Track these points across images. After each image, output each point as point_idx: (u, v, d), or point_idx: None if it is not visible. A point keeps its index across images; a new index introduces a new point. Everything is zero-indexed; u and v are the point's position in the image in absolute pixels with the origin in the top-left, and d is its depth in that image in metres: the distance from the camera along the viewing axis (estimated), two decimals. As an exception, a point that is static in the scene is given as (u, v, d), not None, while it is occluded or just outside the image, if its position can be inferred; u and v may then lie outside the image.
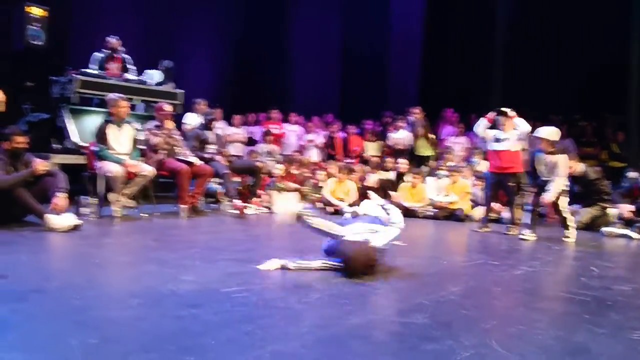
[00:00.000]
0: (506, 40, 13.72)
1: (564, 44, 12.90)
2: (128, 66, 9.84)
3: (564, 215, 6.80)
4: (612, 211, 8.02)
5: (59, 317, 2.73)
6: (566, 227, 6.76)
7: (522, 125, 7.10)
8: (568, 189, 7.11)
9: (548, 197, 6.73)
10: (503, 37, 13.79)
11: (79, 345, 2.29)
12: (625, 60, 11.43)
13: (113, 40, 9.68)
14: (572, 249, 6.14)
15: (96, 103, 9.38)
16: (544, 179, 6.86)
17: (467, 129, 12.55)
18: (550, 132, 6.81)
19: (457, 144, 11.92)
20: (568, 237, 6.70)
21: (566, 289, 3.86)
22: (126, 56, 9.89)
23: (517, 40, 13.44)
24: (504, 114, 7.16)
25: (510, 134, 7.12)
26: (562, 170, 6.73)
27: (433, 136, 11.86)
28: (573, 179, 8.04)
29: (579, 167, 8.17)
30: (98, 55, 9.58)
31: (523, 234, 6.75)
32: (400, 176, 10.07)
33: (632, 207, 7.59)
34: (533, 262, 5.25)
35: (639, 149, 11.17)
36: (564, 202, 6.84)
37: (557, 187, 6.70)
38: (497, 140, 7.19)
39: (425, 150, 11.57)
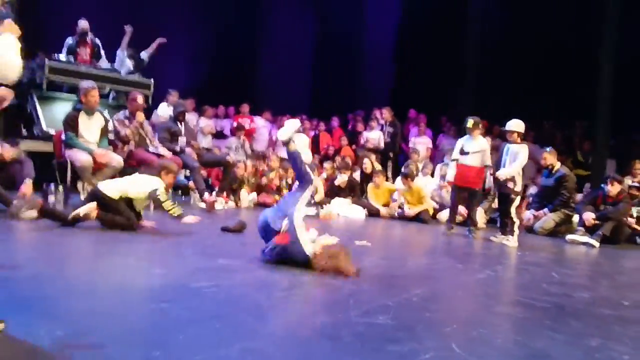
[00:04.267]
0: (479, 42, 13.90)
1: (536, 48, 13.09)
2: (100, 51, 9.72)
3: (513, 219, 6.96)
4: (575, 218, 8.21)
5: (29, 308, 2.72)
6: (511, 231, 6.91)
7: (483, 143, 7.26)
8: (521, 192, 7.32)
9: (501, 173, 6.95)
10: (475, 39, 13.96)
11: (47, 336, 2.29)
12: (596, 65, 11.63)
13: (83, 23, 9.50)
14: (536, 255, 6.27)
15: (66, 90, 9.27)
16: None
17: (436, 130, 12.73)
18: (517, 124, 7.06)
19: (420, 144, 12.06)
20: (508, 240, 6.85)
21: (527, 294, 3.95)
22: (97, 41, 9.75)
23: (489, 43, 13.62)
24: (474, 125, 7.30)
25: (475, 146, 7.25)
26: (521, 156, 6.89)
27: None
28: (548, 173, 8.31)
29: (550, 159, 8.41)
30: (69, 40, 9.45)
31: (507, 240, 6.87)
32: (366, 177, 10.19)
33: (594, 215, 7.77)
34: (496, 267, 5.37)
35: (603, 156, 11.40)
36: (514, 205, 6.99)
37: (513, 168, 6.89)
38: (463, 152, 7.33)
39: None
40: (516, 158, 6.92)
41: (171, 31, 13.15)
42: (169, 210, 5.40)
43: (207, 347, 2.35)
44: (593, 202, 8.18)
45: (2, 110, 5.59)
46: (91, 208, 5.28)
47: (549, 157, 8.55)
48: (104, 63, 9.69)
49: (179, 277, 3.59)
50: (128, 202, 5.48)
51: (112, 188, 5.47)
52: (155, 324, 2.64)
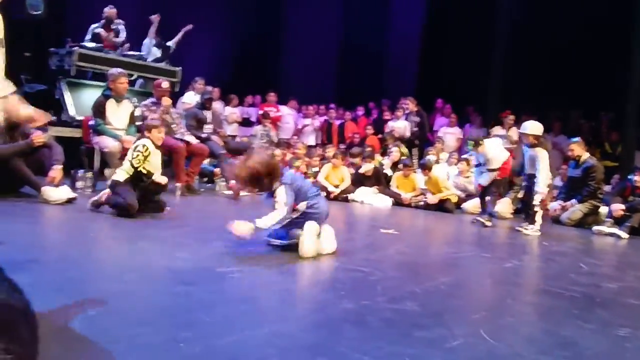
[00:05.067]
0: (506, 32, 13.70)
1: (564, 39, 12.89)
2: (121, 35, 9.79)
3: (535, 209, 6.89)
4: (603, 210, 8.10)
5: (58, 288, 2.76)
6: (532, 220, 6.85)
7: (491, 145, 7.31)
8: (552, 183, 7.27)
9: (538, 196, 6.85)
10: (503, 29, 13.76)
11: (78, 316, 2.32)
12: (625, 58, 11.44)
13: (108, 10, 9.59)
14: (563, 246, 6.20)
15: (90, 76, 9.35)
16: (527, 172, 7.05)
17: (462, 120, 12.64)
18: (532, 127, 6.94)
19: (449, 134, 11.98)
20: (527, 230, 6.79)
21: (555, 284, 3.91)
22: (120, 27, 9.82)
23: (517, 34, 13.43)
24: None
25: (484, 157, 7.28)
26: (541, 164, 6.82)
27: None
28: (576, 164, 8.22)
29: (577, 150, 8.31)
30: (94, 26, 9.53)
31: (526, 229, 6.81)
32: (394, 165, 10.13)
33: (623, 206, 7.65)
34: (523, 256, 5.32)
35: (631, 147, 11.23)
36: (537, 198, 6.92)
37: (542, 182, 6.81)
38: (478, 165, 7.37)
39: None
40: (535, 163, 6.86)
41: (198, 20, 13.23)
42: (137, 166, 5.37)
43: (235, 329, 2.36)
44: (621, 193, 8.06)
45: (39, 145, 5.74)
46: (106, 193, 5.34)
47: (577, 148, 8.42)
48: (123, 49, 9.74)
49: (204, 262, 3.62)
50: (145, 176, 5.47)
51: (118, 171, 5.51)
52: (181, 305, 2.65)
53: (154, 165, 5.54)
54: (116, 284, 2.96)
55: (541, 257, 5.49)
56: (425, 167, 9.20)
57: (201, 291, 2.92)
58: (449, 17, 14.52)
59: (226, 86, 12.31)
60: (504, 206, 8.33)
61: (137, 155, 5.36)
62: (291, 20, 15.93)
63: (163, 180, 5.51)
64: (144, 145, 5.42)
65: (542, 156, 6.85)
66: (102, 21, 9.62)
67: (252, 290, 3.07)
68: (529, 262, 5.17)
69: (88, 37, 9.46)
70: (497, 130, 11.26)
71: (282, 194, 4.05)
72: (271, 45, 15.45)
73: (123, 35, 9.87)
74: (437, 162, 10.21)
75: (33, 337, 0.40)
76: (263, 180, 3.98)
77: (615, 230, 7.34)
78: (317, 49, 15.72)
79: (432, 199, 8.94)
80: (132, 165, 5.36)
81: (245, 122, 12.34)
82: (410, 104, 11.69)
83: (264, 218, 3.94)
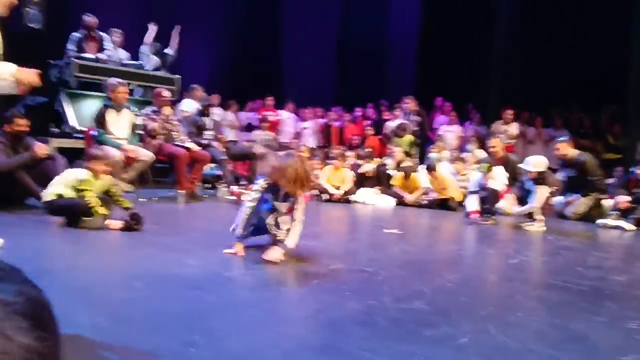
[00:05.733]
0: (505, 29, 13.71)
1: (563, 34, 12.89)
2: (105, 45, 9.69)
3: (533, 212, 6.90)
4: (606, 203, 8.09)
5: (69, 297, 2.77)
6: (534, 219, 6.87)
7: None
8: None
9: (520, 209, 7.04)
10: (502, 26, 13.77)
11: (88, 323, 2.33)
12: (625, 50, 11.45)
13: (88, 19, 9.49)
14: (568, 240, 6.19)
15: (93, 87, 9.37)
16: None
17: (462, 118, 12.65)
18: (536, 163, 6.94)
19: (450, 132, 11.98)
20: (531, 226, 6.80)
21: (562, 278, 3.90)
22: (103, 34, 9.74)
23: (516, 30, 13.44)
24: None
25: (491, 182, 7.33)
26: (538, 199, 6.86)
27: None
28: (566, 163, 8.20)
29: (563, 149, 8.26)
30: (75, 35, 9.43)
31: (531, 225, 6.81)
32: (398, 165, 10.12)
33: (629, 198, 7.64)
34: (528, 252, 5.32)
35: (634, 139, 11.22)
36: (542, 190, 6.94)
37: (531, 206, 6.89)
38: (484, 188, 7.39)
39: None
40: (533, 195, 6.90)
41: (194, 27, 13.27)
42: (90, 205, 4.91)
43: (245, 332, 2.37)
44: (625, 185, 8.05)
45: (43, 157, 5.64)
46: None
47: (562, 147, 8.31)
48: (105, 54, 9.63)
49: (211, 267, 3.62)
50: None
51: (48, 192, 5.09)
52: (191, 310, 2.66)
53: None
54: (126, 291, 2.97)
55: (547, 252, 5.48)
56: (431, 168, 9.18)
57: (210, 295, 2.92)
58: (447, 14, 14.51)
59: (225, 92, 12.33)
60: (508, 202, 8.31)
61: (86, 191, 4.96)
62: (288, 22, 15.94)
63: (102, 211, 5.01)
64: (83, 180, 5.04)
65: (541, 193, 6.88)
66: (82, 30, 9.48)
67: (260, 293, 3.08)
68: (535, 257, 5.17)
69: (70, 46, 9.34)
70: (498, 125, 11.27)
71: (303, 205, 4.06)
72: (269, 48, 15.45)
73: (109, 46, 9.76)
74: (439, 160, 10.19)
75: (58, 331, 0.42)
76: (299, 185, 3.92)
77: (620, 222, 7.34)
78: (315, 51, 15.72)
79: (436, 195, 8.95)
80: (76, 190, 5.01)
81: (247, 127, 12.37)
82: (410, 103, 11.68)
83: (290, 237, 3.94)
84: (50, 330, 0.45)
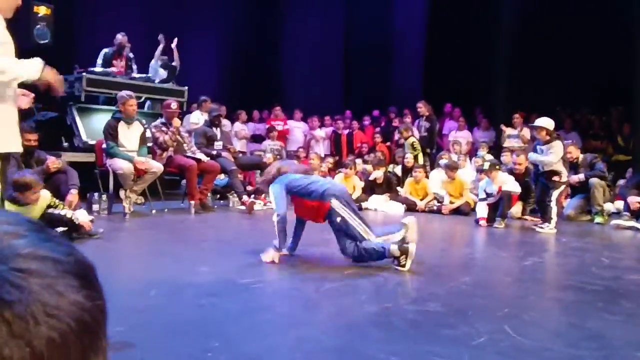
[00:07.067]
0: (512, 31, 13.66)
1: (570, 35, 12.85)
2: (132, 66, 9.89)
3: (552, 206, 6.87)
4: (607, 206, 8.14)
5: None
6: (549, 218, 6.83)
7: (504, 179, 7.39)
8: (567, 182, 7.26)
9: (538, 158, 7.02)
10: (509, 29, 13.73)
11: (108, 332, 2.34)
12: (631, 51, 11.41)
13: (121, 37, 9.68)
14: (581, 241, 6.17)
15: (102, 101, 9.44)
16: (542, 171, 7.06)
17: (471, 123, 12.62)
18: (544, 121, 6.96)
19: (461, 138, 11.96)
20: (542, 228, 6.77)
21: (577, 278, 3.90)
22: (131, 55, 9.93)
23: (523, 32, 13.39)
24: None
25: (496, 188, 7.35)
26: (555, 150, 6.84)
27: None
28: (572, 166, 8.21)
29: (575, 152, 8.28)
30: (106, 50, 9.60)
31: (541, 227, 6.79)
32: (406, 171, 10.12)
33: (639, 199, 7.61)
34: (542, 254, 5.30)
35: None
36: (557, 192, 6.92)
37: (550, 159, 6.86)
38: (489, 195, 7.43)
39: None
40: (548, 154, 6.88)
41: (199, 39, 13.37)
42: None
43: (263, 336, 2.38)
44: (637, 186, 8.01)
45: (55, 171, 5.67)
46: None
47: (574, 151, 8.35)
48: (135, 75, 9.85)
49: (226, 274, 3.63)
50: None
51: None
52: (208, 317, 2.68)
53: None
54: (143, 299, 2.99)
55: (560, 253, 5.47)
56: (452, 168, 9.09)
57: (226, 302, 2.94)
58: (452, 20, 14.49)
59: (232, 102, 12.37)
60: (518, 207, 8.29)
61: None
62: (292, 30, 15.98)
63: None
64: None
65: (557, 146, 6.86)
66: (114, 47, 9.67)
67: (275, 299, 3.10)
68: (548, 258, 5.15)
69: (99, 61, 9.52)
70: (509, 131, 11.24)
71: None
72: (273, 57, 15.50)
73: (134, 68, 9.95)
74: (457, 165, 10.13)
75: (103, 293, 0.44)
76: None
77: (633, 223, 7.31)
78: (321, 58, 15.73)
79: (450, 205, 8.90)
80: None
81: (256, 138, 12.40)
82: (422, 108, 11.64)
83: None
84: (97, 290, 0.47)
